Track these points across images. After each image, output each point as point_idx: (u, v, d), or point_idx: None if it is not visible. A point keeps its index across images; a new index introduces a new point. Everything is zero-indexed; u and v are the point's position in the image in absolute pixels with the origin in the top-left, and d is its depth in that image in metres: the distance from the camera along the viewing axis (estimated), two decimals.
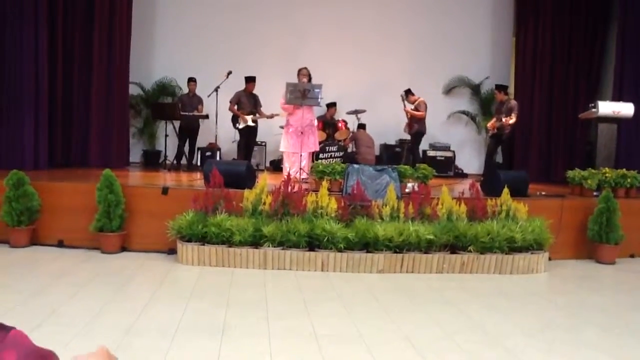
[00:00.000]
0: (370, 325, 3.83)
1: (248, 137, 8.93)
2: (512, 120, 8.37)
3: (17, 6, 7.47)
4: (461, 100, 11.26)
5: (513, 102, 8.73)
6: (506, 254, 5.53)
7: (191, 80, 9.32)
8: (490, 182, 6.75)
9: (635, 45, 8.82)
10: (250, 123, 8.76)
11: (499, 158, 9.33)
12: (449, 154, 10.49)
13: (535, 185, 7.65)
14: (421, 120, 9.10)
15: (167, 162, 9.24)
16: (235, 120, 8.88)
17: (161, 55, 10.60)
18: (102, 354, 0.84)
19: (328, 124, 9.93)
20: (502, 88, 8.93)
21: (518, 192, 6.28)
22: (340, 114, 10.32)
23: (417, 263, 5.42)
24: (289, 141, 7.92)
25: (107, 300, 4.14)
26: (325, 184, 5.88)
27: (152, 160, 10.00)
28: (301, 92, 7.44)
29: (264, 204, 5.54)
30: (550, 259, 5.85)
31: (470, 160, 11.05)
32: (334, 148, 9.20)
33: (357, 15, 10.76)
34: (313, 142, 8.04)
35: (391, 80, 10.25)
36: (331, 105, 10.04)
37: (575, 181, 7.11)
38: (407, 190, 6.41)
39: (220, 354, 3.22)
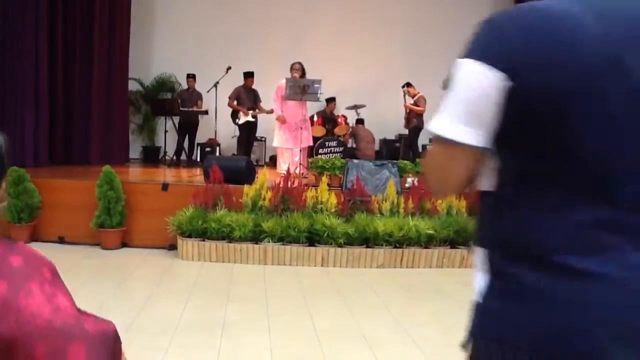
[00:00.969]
0: (370, 320, 3.84)
1: (248, 133, 8.93)
2: None
3: (18, 2, 7.46)
4: None
5: None
6: None
7: (190, 77, 9.30)
8: None
9: None
10: (250, 118, 8.75)
11: None
12: None
13: None
14: (420, 115, 9.09)
15: (167, 158, 9.23)
16: (235, 115, 8.87)
17: (160, 51, 10.56)
18: None
19: (327, 119, 9.91)
20: None
21: None
22: (340, 109, 10.30)
23: (417, 258, 5.42)
24: (283, 136, 7.95)
25: (108, 296, 4.15)
26: (325, 179, 5.89)
27: (151, 157, 9.99)
28: (301, 88, 7.43)
29: (264, 199, 5.54)
30: None
31: None
32: (334, 143, 9.18)
33: (357, 10, 10.73)
34: (307, 137, 8.07)
35: (391, 75, 10.23)
36: (330, 101, 10.01)
37: None
38: (407, 185, 6.41)
39: (221, 349, 3.23)
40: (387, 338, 3.53)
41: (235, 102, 8.74)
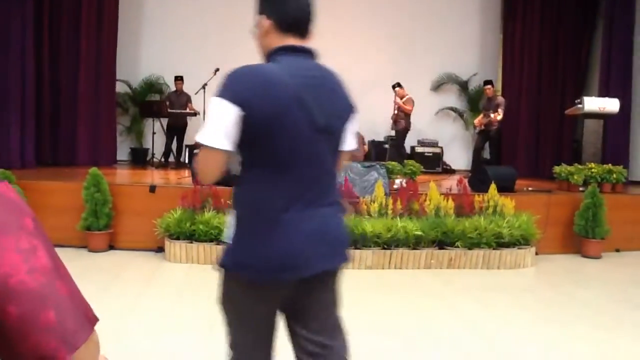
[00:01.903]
0: (359, 321, 3.83)
1: None
2: (500, 116, 8.41)
3: (3, 4, 7.39)
4: (449, 97, 11.30)
5: (500, 99, 8.77)
6: (493, 249, 5.57)
7: (178, 79, 9.27)
8: (477, 178, 6.79)
9: (622, 41, 8.90)
10: None
11: (486, 154, 9.37)
12: (437, 150, 10.53)
13: (523, 181, 7.70)
14: (407, 116, 9.12)
15: (155, 160, 9.19)
16: None
17: (148, 52, 10.51)
18: None
19: None
20: (492, 83, 8.98)
21: (505, 188, 6.32)
22: None
23: (405, 259, 5.44)
24: None
25: (94, 299, 4.08)
26: None
27: (139, 158, 9.94)
28: None
29: None
30: (537, 253, 5.90)
31: (458, 156, 11.08)
32: None
33: (345, 13, 10.74)
34: None
35: (379, 78, 10.24)
36: None
37: (562, 177, 7.18)
38: (395, 186, 6.43)
39: (208, 351, 3.22)
40: (375, 338, 3.54)
41: None
